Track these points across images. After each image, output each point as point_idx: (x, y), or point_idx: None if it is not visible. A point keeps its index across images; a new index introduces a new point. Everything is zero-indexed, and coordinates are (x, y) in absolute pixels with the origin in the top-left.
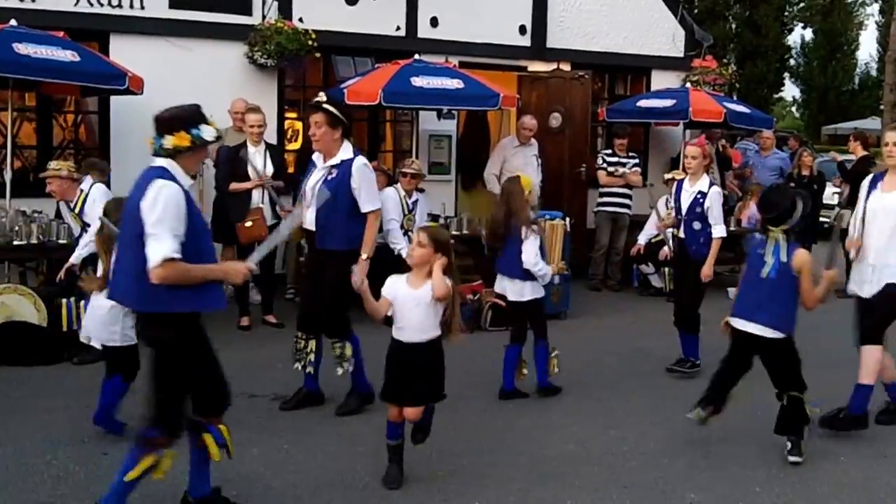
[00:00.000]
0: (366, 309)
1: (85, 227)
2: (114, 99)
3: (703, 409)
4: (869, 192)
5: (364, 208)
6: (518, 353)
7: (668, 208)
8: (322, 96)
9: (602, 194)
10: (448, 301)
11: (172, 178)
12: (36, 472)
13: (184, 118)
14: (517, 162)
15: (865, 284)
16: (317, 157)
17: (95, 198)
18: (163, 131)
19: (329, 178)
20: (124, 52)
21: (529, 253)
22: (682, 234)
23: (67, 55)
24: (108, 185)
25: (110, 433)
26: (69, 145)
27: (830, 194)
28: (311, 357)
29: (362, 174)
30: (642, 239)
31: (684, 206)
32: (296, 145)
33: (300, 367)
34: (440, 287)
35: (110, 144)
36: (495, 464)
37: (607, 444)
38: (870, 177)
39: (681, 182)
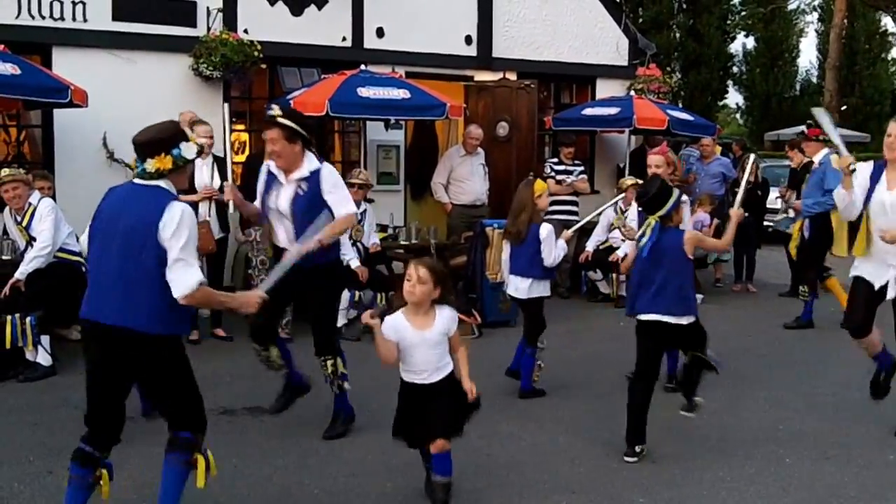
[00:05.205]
0: (377, 350)
1: (31, 241)
2: (58, 112)
3: (636, 448)
4: (872, 185)
5: (339, 213)
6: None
7: (617, 213)
8: (276, 109)
9: (549, 202)
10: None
11: (178, 199)
12: None
13: (163, 140)
14: (464, 171)
15: (888, 283)
16: (276, 170)
17: (43, 213)
18: (144, 155)
19: (301, 193)
20: (67, 65)
21: (547, 255)
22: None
23: (8, 68)
24: (54, 199)
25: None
26: (12, 159)
27: (774, 199)
28: (280, 361)
29: (332, 181)
30: (590, 246)
31: None
32: (241, 157)
33: (277, 372)
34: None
35: (55, 158)
36: None
37: (556, 450)
38: (871, 165)
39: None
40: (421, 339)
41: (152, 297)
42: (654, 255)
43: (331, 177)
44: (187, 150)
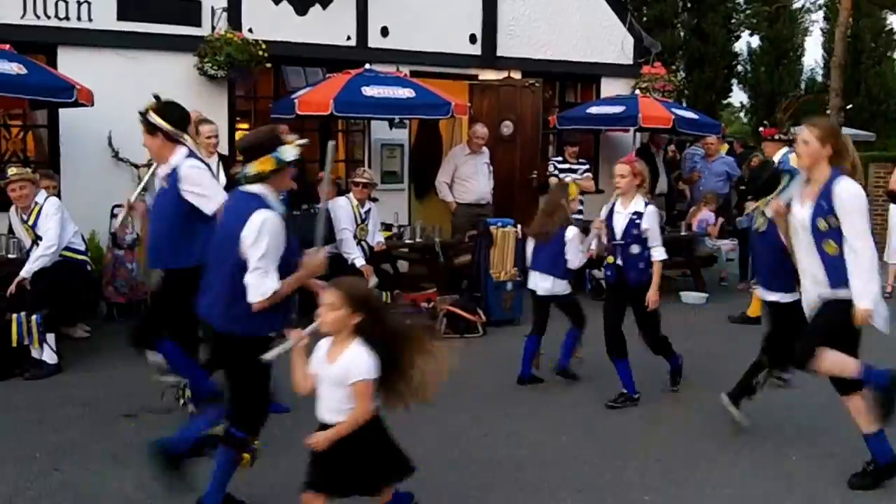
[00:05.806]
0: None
1: (37, 239)
2: (63, 111)
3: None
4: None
5: (210, 209)
6: (536, 342)
7: None
8: (148, 103)
9: None
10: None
11: (267, 205)
12: None
13: (264, 144)
14: (468, 170)
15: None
16: (160, 170)
17: (49, 212)
18: (247, 159)
19: (162, 189)
20: (73, 64)
21: (573, 257)
22: (618, 262)
23: (13, 68)
24: (59, 197)
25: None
26: (12, 157)
27: None
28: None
29: (191, 176)
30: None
31: (619, 229)
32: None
33: (181, 404)
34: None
35: (60, 157)
36: (448, 471)
37: (560, 448)
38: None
39: (612, 204)
40: (325, 373)
41: (230, 300)
42: (767, 237)
43: (189, 172)
44: (287, 152)
